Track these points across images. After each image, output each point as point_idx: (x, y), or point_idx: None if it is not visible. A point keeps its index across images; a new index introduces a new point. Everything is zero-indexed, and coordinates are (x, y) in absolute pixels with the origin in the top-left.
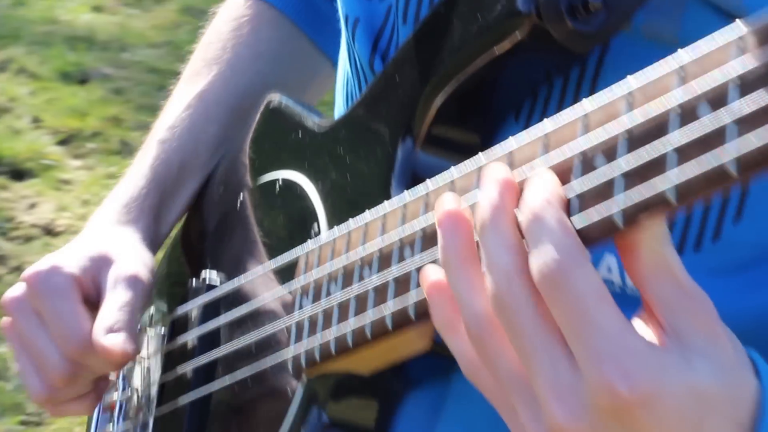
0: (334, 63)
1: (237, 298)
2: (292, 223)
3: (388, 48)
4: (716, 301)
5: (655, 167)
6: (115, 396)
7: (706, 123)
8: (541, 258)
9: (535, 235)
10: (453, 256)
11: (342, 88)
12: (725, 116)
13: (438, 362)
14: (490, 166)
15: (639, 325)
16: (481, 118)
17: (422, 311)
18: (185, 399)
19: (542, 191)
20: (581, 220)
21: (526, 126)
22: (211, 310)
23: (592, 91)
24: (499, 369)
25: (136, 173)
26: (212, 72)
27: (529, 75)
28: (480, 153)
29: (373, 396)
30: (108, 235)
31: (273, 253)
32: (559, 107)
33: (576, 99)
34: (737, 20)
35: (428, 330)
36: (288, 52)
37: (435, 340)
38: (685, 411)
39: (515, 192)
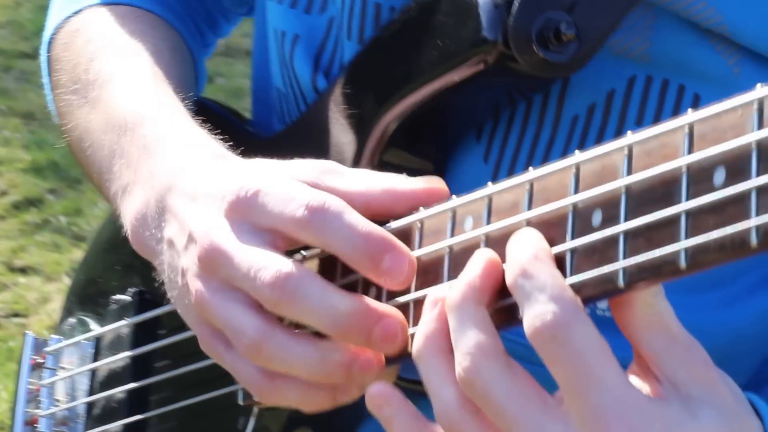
0: (199, 85)
1: (173, 319)
2: None
3: (331, 64)
4: (693, 317)
5: (663, 229)
6: (38, 409)
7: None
8: (535, 313)
9: (525, 291)
10: (426, 344)
11: (275, 104)
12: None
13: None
14: (479, 252)
15: (634, 379)
16: (437, 140)
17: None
18: (117, 422)
19: (529, 246)
20: (575, 278)
21: (488, 146)
22: (144, 330)
23: (559, 110)
24: None
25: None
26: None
27: (491, 97)
28: (454, 196)
29: (328, 428)
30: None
31: None
32: (524, 126)
33: (542, 118)
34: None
35: (394, 369)
36: (186, 68)
37: (399, 376)
38: None
39: (493, 272)
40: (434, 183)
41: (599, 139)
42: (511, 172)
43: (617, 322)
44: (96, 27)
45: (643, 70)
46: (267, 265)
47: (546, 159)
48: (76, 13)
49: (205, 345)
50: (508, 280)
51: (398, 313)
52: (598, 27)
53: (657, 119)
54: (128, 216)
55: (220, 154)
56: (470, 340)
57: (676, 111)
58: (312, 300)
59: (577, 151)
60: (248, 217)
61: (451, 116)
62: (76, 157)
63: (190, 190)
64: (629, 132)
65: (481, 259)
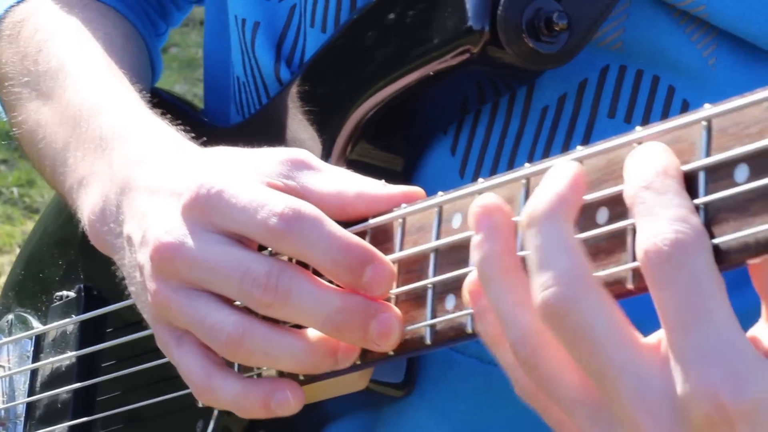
0: (155, 73)
1: (122, 317)
2: None
3: (293, 53)
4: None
5: None
6: None
7: None
8: (656, 230)
9: (648, 205)
10: (492, 265)
11: (234, 94)
12: None
13: (369, 396)
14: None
15: (760, 332)
16: (408, 133)
17: (368, 355)
18: (62, 423)
19: (658, 159)
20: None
21: (455, 139)
22: (91, 329)
23: (528, 101)
24: (557, 392)
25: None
26: (97, 44)
27: (464, 88)
28: (440, 192)
29: (292, 431)
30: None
31: None
32: (492, 118)
33: (510, 109)
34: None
35: (368, 371)
36: (140, 55)
37: (371, 379)
38: None
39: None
40: (413, 190)
41: (570, 131)
42: (479, 165)
43: (752, 275)
44: (42, 16)
45: (617, 59)
46: (253, 266)
47: (515, 151)
48: (20, 2)
49: (159, 341)
50: (628, 191)
51: (394, 308)
52: (588, 16)
53: (630, 111)
54: (86, 210)
55: (180, 143)
56: (565, 262)
57: (650, 103)
58: (306, 298)
59: (579, 147)
60: (206, 217)
61: (424, 109)
62: (27, 151)
63: (149, 183)
64: (637, 126)
65: (569, 170)
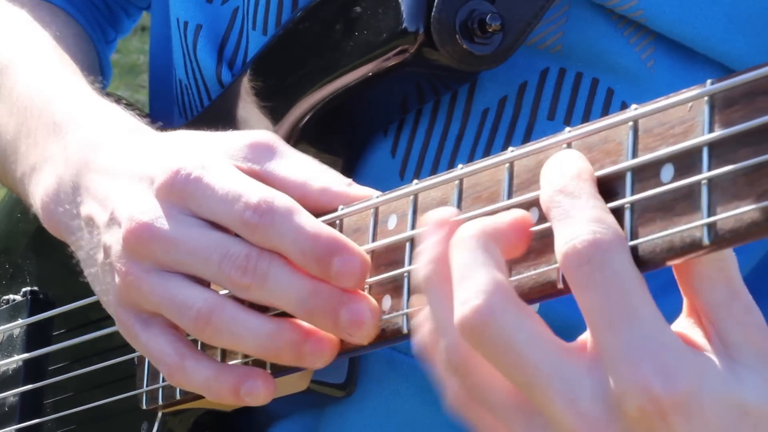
0: (102, 58)
1: (68, 320)
2: None
3: (235, 55)
4: None
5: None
6: None
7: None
8: (574, 232)
9: (564, 209)
10: (431, 271)
11: (177, 97)
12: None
13: (310, 397)
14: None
15: (683, 326)
16: (347, 135)
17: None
18: (10, 426)
19: (571, 165)
20: (513, 277)
21: (396, 141)
22: (38, 332)
23: (469, 103)
24: (490, 400)
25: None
26: (49, 41)
27: (405, 89)
28: (376, 193)
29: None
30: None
31: None
32: (432, 120)
33: (451, 111)
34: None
35: (309, 372)
36: (90, 55)
37: (313, 380)
38: (725, 426)
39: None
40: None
41: (510, 133)
42: (419, 167)
43: (676, 271)
44: None
45: (557, 62)
46: (233, 249)
47: (455, 153)
48: None
49: (122, 325)
50: (544, 197)
51: (369, 299)
52: (522, 17)
53: (570, 113)
54: (38, 193)
55: (137, 127)
56: (485, 277)
57: (589, 105)
58: (281, 282)
59: (510, 147)
60: (183, 201)
61: (363, 110)
62: None
63: (109, 165)
64: (567, 128)
65: (512, 213)
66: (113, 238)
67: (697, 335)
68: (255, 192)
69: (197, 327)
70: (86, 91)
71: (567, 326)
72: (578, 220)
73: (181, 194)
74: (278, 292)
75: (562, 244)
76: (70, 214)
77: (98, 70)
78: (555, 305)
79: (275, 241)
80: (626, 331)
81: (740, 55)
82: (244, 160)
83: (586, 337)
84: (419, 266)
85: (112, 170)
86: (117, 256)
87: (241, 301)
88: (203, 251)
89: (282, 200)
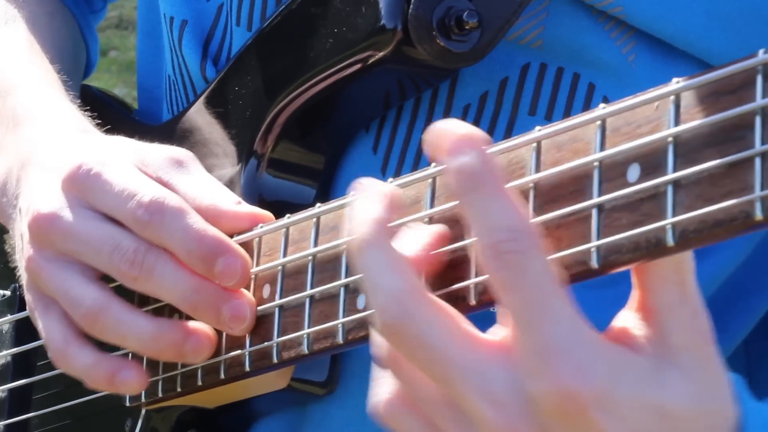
0: (90, 51)
1: None
2: None
3: (220, 52)
4: (590, 312)
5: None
6: None
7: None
8: (496, 238)
9: (482, 211)
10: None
11: (165, 92)
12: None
13: (293, 394)
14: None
15: (627, 320)
16: (329, 131)
17: (286, 353)
18: None
19: (486, 170)
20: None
21: (377, 137)
22: (26, 328)
23: (450, 99)
24: (421, 395)
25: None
26: (20, 23)
27: (385, 87)
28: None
29: (218, 429)
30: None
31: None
32: (414, 116)
33: (432, 107)
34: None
35: (288, 370)
36: (67, 33)
37: (294, 377)
38: (642, 425)
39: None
40: (262, 213)
41: (491, 128)
42: (400, 164)
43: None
44: None
45: (537, 57)
46: (123, 242)
47: None
48: None
49: (28, 307)
50: (460, 196)
51: (248, 295)
52: (500, 15)
53: (551, 108)
54: None
55: (84, 128)
56: (391, 282)
57: (570, 101)
58: (167, 276)
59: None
60: (83, 194)
61: (344, 107)
62: None
63: (43, 161)
64: (537, 126)
65: (381, 192)
66: (24, 226)
67: (637, 332)
68: (149, 191)
69: (86, 324)
70: (47, 85)
71: None
72: (499, 225)
73: (81, 188)
74: (164, 286)
75: (485, 248)
76: (11, 204)
77: (77, 46)
78: None
79: (164, 239)
80: (543, 331)
81: (719, 52)
82: (156, 169)
83: (505, 332)
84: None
85: (44, 165)
86: (26, 243)
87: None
88: (96, 243)
89: (173, 201)
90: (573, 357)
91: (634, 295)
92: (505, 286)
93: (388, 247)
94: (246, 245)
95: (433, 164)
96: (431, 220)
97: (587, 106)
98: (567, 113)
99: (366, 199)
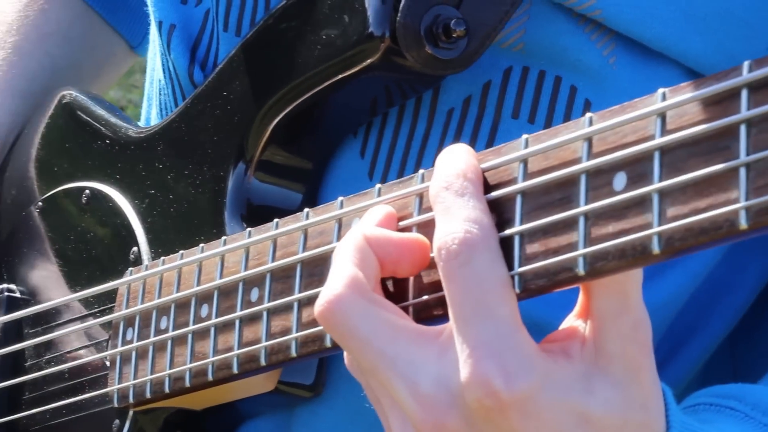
0: (132, 45)
1: (43, 318)
2: (104, 243)
3: (207, 56)
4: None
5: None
6: None
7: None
8: (450, 229)
9: (446, 205)
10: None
11: (155, 96)
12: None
13: (280, 396)
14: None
15: (569, 323)
16: (317, 137)
17: (274, 356)
18: None
19: (460, 161)
20: None
21: (365, 141)
22: (13, 329)
23: (434, 103)
24: (364, 383)
25: None
26: None
27: (373, 93)
28: (340, 197)
29: (204, 430)
30: None
31: (82, 271)
32: (399, 120)
33: (417, 111)
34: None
35: (276, 373)
36: (79, 32)
37: (281, 380)
38: (562, 430)
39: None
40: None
41: (475, 132)
42: (387, 167)
43: None
44: None
45: (520, 60)
46: None
47: (422, 153)
48: None
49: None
50: (431, 190)
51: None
52: (486, 22)
53: (534, 111)
54: None
55: None
56: (341, 272)
57: (553, 103)
58: None
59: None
60: None
61: (332, 112)
62: None
63: None
64: (524, 135)
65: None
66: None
67: (577, 336)
68: None
69: None
70: None
71: (537, 325)
72: (456, 218)
73: None
74: None
75: (438, 238)
76: None
77: (103, 63)
78: (524, 306)
79: None
80: (478, 327)
81: (697, 55)
82: None
83: (447, 326)
84: None
85: None
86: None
87: None
88: None
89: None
90: (501, 358)
91: (579, 300)
92: (449, 278)
93: (360, 244)
94: (236, 253)
95: (420, 170)
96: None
97: (569, 109)
98: (550, 116)
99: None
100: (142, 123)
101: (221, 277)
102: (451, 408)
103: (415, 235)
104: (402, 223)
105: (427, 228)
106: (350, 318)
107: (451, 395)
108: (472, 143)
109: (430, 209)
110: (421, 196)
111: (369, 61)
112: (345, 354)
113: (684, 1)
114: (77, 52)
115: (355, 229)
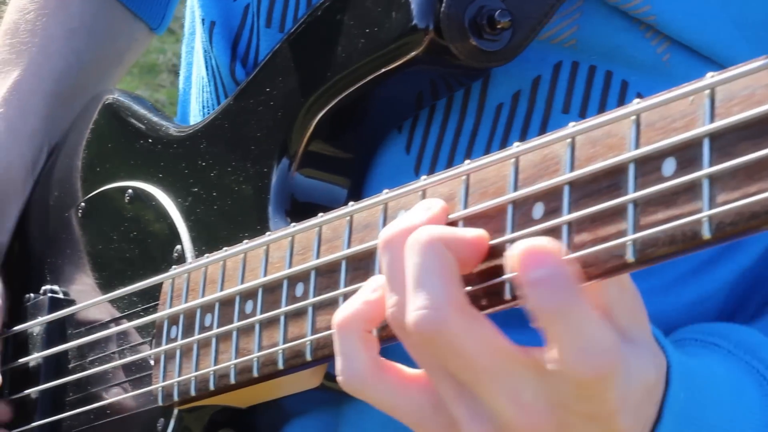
0: (152, 26)
1: (87, 318)
2: (147, 241)
3: (248, 52)
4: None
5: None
6: None
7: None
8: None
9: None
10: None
11: (198, 94)
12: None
13: (327, 393)
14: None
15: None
16: (360, 131)
17: (320, 351)
18: (31, 423)
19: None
20: None
21: (410, 137)
22: (57, 330)
23: (483, 98)
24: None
25: None
26: (23, 59)
27: (417, 86)
28: (385, 190)
29: (252, 429)
30: None
31: (125, 270)
32: (446, 116)
33: (465, 106)
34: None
35: (322, 368)
36: (102, 23)
37: (326, 375)
38: (636, 403)
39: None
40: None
41: (524, 127)
42: (434, 163)
43: None
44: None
45: (570, 56)
46: None
47: (470, 148)
48: None
49: None
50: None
51: None
52: (532, 15)
53: (584, 106)
54: None
55: None
56: (439, 288)
57: (604, 98)
58: None
59: (516, 143)
60: None
61: (376, 106)
62: None
63: None
64: (571, 123)
65: (473, 230)
66: None
67: None
68: None
69: None
70: None
71: None
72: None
73: None
74: None
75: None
76: None
77: (126, 49)
78: None
79: None
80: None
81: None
82: None
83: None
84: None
85: None
86: None
87: None
88: None
89: None
90: (599, 345)
91: None
92: (534, 299)
93: (442, 250)
94: (279, 245)
95: (466, 162)
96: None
97: (621, 104)
98: (601, 110)
99: (423, 203)
100: (179, 120)
101: (266, 273)
102: (551, 416)
103: (480, 232)
104: (450, 217)
105: (473, 222)
106: (456, 339)
107: (552, 406)
108: (522, 138)
109: (476, 201)
110: (467, 188)
111: (413, 53)
112: (338, 373)
113: (735, 9)
114: (101, 44)
115: (427, 231)
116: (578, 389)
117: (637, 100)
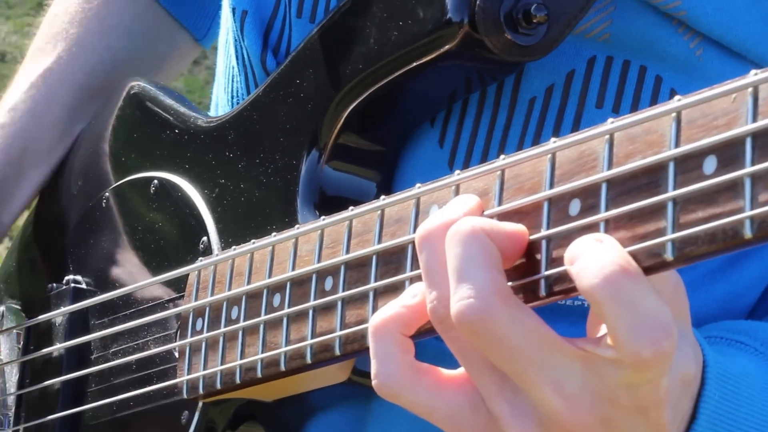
0: (197, 37)
1: (110, 309)
2: (172, 233)
3: (280, 42)
4: None
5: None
6: None
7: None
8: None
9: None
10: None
11: (227, 84)
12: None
13: (355, 388)
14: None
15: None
16: (392, 125)
17: (349, 346)
18: (51, 415)
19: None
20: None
21: (443, 131)
22: (79, 320)
23: (516, 92)
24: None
25: None
26: (57, 49)
27: (450, 80)
28: (418, 183)
29: (277, 423)
30: None
31: (149, 262)
32: (479, 110)
33: (498, 100)
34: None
35: (349, 362)
36: (142, 26)
37: (354, 370)
38: (677, 396)
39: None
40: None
41: (558, 122)
42: (467, 157)
43: None
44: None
45: (604, 50)
46: None
47: (504, 142)
48: None
49: None
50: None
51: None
52: (567, 9)
53: (617, 101)
54: None
55: None
56: (484, 278)
57: (638, 93)
58: None
59: (553, 138)
60: None
61: (408, 99)
62: None
63: None
64: (610, 118)
65: (513, 224)
66: None
67: None
68: None
69: None
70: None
71: None
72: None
73: None
74: None
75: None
76: None
77: (167, 57)
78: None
79: None
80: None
81: None
82: None
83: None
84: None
85: None
86: None
87: None
88: None
89: None
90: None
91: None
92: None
93: (485, 240)
94: (308, 238)
95: (501, 156)
96: (501, 213)
97: (655, 99)
98: (635, 105)
99: (458, 199)
100: (212, 111)
101: (294, 267)
102: (594, 409)
103: (520, 226)
104: (485, 213)
105: (508, 218)
106: (501, 328)
107: (596, 398)
108: (555, 133)
109: (510, 197)
110: (502, 183)
111: (447, 47)
112: (374, 377)
113: (765, 5)
114: (139, 46)
115: (470, 221)
116: (633, 374)
117: (678, 97)
